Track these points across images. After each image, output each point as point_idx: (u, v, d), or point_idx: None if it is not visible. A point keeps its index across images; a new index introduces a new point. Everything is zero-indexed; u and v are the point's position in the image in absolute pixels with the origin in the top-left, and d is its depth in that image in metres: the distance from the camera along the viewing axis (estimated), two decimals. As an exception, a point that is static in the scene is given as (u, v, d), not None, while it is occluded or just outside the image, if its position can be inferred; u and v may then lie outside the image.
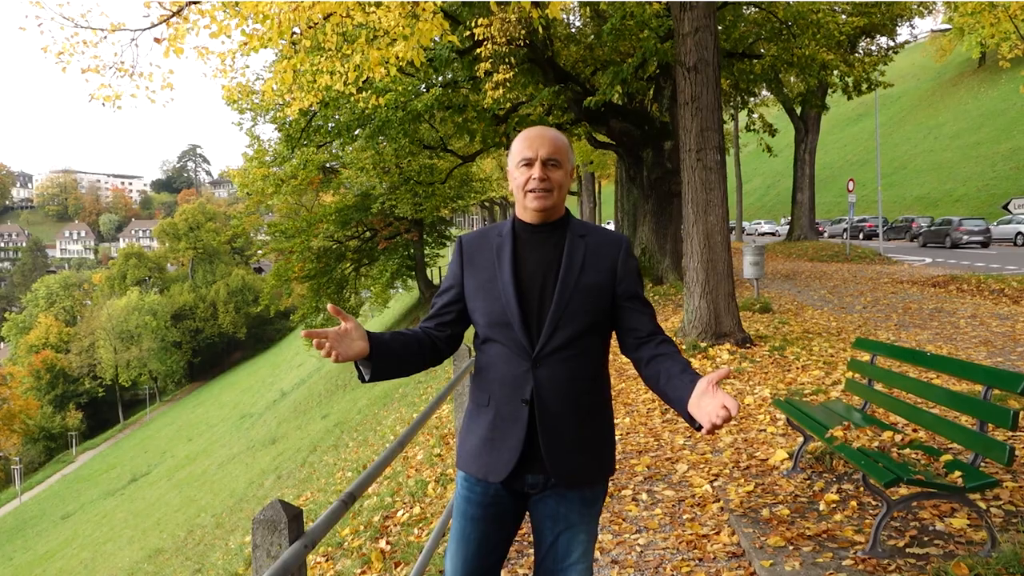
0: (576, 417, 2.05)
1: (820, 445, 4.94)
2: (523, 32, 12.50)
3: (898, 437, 3.83)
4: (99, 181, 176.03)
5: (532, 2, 8.95)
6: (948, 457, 3.49)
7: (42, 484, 49.11)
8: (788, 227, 35.54)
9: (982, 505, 3.84)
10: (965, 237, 28.56)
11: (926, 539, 3.56)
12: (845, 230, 28.66)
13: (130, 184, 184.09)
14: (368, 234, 31.04)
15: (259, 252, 40.59)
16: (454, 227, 39.56)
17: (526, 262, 2.08)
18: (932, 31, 40.76)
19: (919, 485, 3.19)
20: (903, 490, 3.74)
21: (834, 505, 4.10)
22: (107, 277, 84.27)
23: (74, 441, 57.59)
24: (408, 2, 8.61)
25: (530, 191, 2.05)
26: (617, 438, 6.09)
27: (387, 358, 2.00)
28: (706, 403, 1.79)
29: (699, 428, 1.81)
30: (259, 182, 22.81)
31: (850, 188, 28.25)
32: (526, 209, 2.09)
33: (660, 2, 13.50)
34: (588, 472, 2.08)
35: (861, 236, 37.91)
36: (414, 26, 8.51)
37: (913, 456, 3.56)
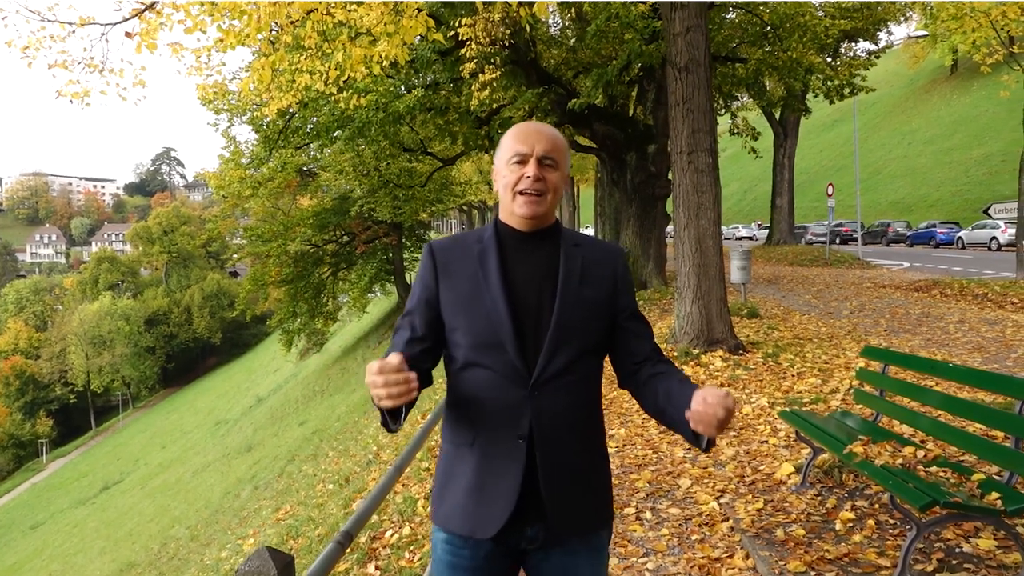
0: (579, 453, 1.78)
1: (828, 458, 4.74)
2: (506, 33, 12.27)
3: (920, 453, 3.63)
4: (71, 184, 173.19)
5: (519, 1, 8.72)
6: (980, 476, 3.29)
7: (11, 493, 48.00)
8: (768, 231, 35.75)
9: (1007, 523, 3.64)
10: (814, 238, 39.06)
11: (955, 562, 3.35)
12: (827, 233, 30.04)
13: (103, 187, 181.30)
14: (346, 238, 30.66)
15: (235, 256, 39.92)
16: (433, 231, 39.21)
17: (515, 273, 1.77)
18: (908, 37, 41.25)
19: (956, 508, 2.97)
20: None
21: (851, 524, 3.89)
22: (79, 281, 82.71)
23: (44, 449, 56.38)
24: (390, 1, 8.34)
25: (520, 192, 1.75)
26: (614, 451, 5.86)
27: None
28: (704, 407, 1.55)
29: (700, 446, 1.62)
30: (235, 184, 22.28)
31: (829, 193, 28.40)
32: (513, 214, 1.80)
33: (647, 3, 13.33)
34: (594, 516, 1.81)
35: (838, 240, 38.34)
36: (398, 23, 8.24)
37: (941, 474, 3.36)
